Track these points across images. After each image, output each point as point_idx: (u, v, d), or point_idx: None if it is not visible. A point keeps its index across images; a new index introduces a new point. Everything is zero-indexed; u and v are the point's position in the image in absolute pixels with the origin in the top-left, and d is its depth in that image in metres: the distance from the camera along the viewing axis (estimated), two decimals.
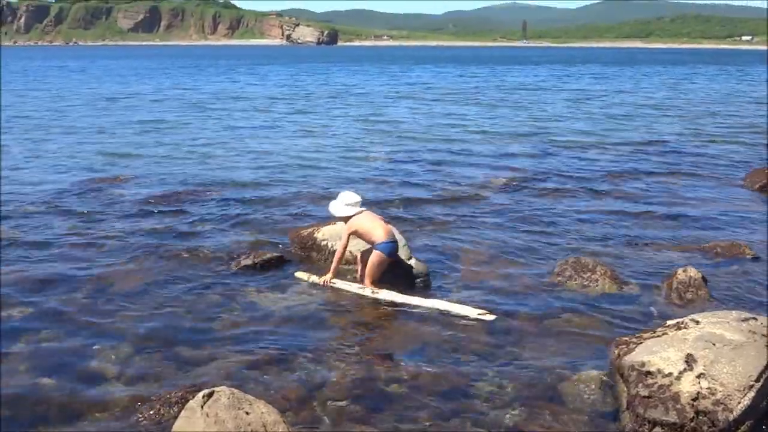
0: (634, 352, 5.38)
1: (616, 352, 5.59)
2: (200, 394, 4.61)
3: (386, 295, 7.60)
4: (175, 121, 23.41)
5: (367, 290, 7.74)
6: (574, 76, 54.75)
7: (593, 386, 5.68)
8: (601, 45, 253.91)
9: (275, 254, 8.85)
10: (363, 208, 8.10)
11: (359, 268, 8.11)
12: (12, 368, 6.01)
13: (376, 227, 7.82)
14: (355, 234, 7.89)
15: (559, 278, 8.15)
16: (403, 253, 8.16)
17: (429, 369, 6.03)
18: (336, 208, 8.11)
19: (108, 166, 15.46)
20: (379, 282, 7.83)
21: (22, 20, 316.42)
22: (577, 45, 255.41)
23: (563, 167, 15.07)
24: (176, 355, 6.27)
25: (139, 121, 23.59)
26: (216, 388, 4.66)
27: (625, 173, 14.53)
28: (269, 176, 14.12)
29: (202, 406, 4.50)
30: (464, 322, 7.00)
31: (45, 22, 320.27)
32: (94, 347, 6.39)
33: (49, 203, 11.81)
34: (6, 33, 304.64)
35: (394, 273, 7.94)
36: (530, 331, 6.81)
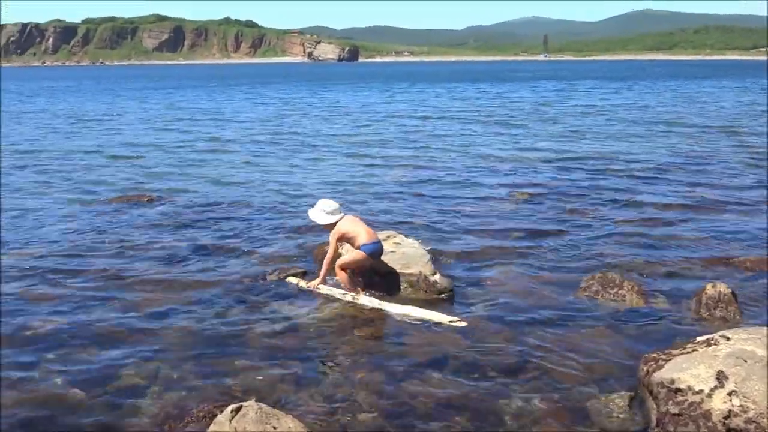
0: (663, 369, 5.31)
1: (645, 368, 5.52)
2: (228, 409, 4.65)
3: (365, 300, 7.83)
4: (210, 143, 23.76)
5: (348, 296, 7.97)
6: (595, 90, 54.44)
7: (622, 403, 5.61)
8: (623, 58, 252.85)
9: (300, 270, 8.93)
10: (344, 213, 8.37)
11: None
12: (44, 378, 6.11)
13: (360, 230, 8.10)
14: (343, 238, 8.15)
15: (586, 293, 8.09)
16: (426, 268, 8.18)
17: (455, 383, 6.00)
18: (318, 216, 8.33)
19: (140, 183, 15.68)
20: (361, 283, 8.19)
21: (50, 41, 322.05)
22: (600, 58, 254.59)
23: (586, 182, 14.96)
24: (204, 369, 6.30)
25: (172, 141, 24.04)
26: (244, 403, 4.69)
27: (650, 188, 14.40)
28: (297, 197, 14.22)
29: (230, 421, 4.53)
30: (491, 335, 6.98)
31: (72, 42, 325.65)
32: (124, 360, 6.46)
33: (78, 218, 11.99)
34: (35, 54, 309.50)
35: (376, 277, 8.27)
36: (557, 346, 6.75)
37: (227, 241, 10.66)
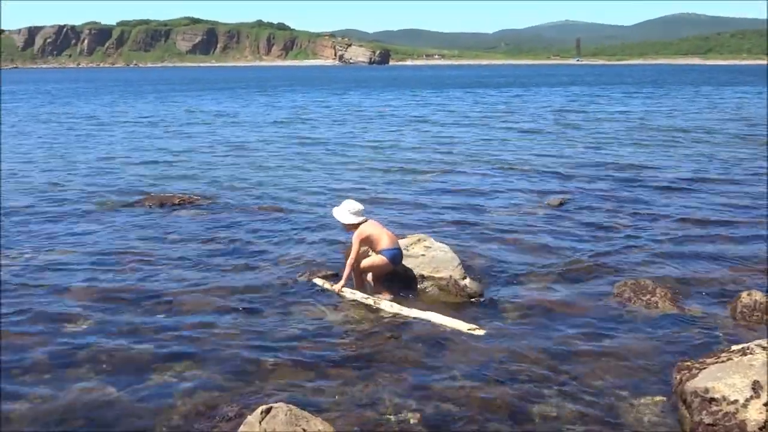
0: (697, 378, 5.24)
1: (678, 377, 5.45)
2: (258, 410, 4.68)
3: (386, 305, 7.82)
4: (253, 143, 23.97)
5: (370, 300, 7.97)
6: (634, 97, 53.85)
7: (654, 411, 5.55)
8: (657, 62, 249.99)
9: (330, 272, 8.97)
10: (367, 217, 8.42)
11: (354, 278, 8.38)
12: (79, 376, 6.21)
13: (382, 235, 8.17)
14: (365, 241, 8.16)
15: (618, 299, 8.01)
16: (456, 272, 8.17)
17: (485, 388, 5.97)
18: (343, 215, 8.38)
19: (170, 185, 15.88)
20: (381, 286, 8.26)
21: (85, 43, 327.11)
22: (633, 62, 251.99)
23: (617, 191, 14.78)
24: (235, 369, 6.35)
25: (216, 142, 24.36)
26: (274, 405, 4.71)
27: (683, 194, 14.23)
28: (325, 199, 14.27)
29: (260, 422, 4.56)
30: (522, 340, 6.95)
31: (107, 44, 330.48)
32: (154, 359, 6.54)
33: (109, 219, 12.20)
34: (70, 55, 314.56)
35: (395, 280, 8.36)
36: (589, 352, 6.70)
37: (258, 242, 10.73)
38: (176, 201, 13.58)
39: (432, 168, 17.77)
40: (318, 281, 8.60)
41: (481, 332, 7.07)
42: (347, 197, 9.16)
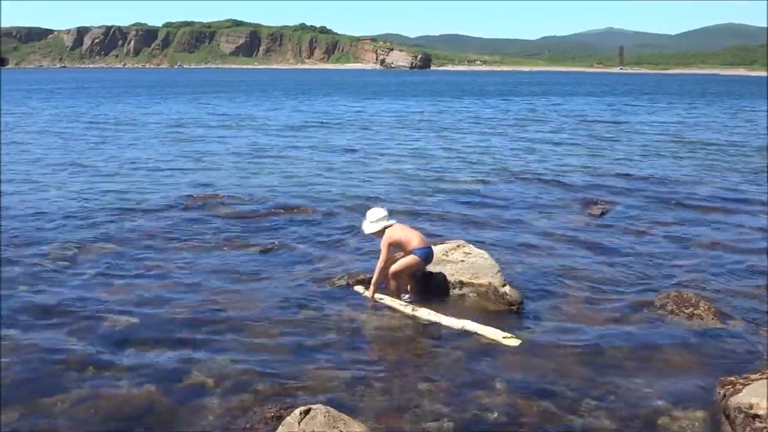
0: (741, 394, 5.14)
1: (722, 392, 5.36)
2: (297, 411, 4.71)
3: (423, 313, 7.76)
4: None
5: (409, 307, 7.93)
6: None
7: (696, 426, 5.46)
8: (701, 72, 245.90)
9: (368, 275, 8.91)
10: (393, 220, 8.50)
11: (390, 283, 8.37)
12: (117, 375, 6.29)
13: (412, 236, 8.23)
14: (395, 244, 8.22)
15: (660, 311, 7.90)
16: (496, 279, 8.13)
17: (522, 398, 5.93)
18: (366, 227, 8.48)
19: (207, 186, 16.05)
20: (412, 290, 8.31)
21: (132, 44, 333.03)
22: (677, 71, 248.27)
23: (657, 201, 14.58)
24: (272, 371, 6.40)
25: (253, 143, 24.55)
26: (313, 406, 4.74)
27: (726, 205, 13.98)
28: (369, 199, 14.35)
29: (299, 423, 4.58)
30: (562, 351, 6.89)
31: (153, 45, 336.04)
32: (192, 360, 6.60)
33: (142, 217, 12.43)
34: (117, 56, 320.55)
35: (428, 285, 8.40)
36: (629, 364, 6.61)
37: (295, 244, 10.80)
38: (213, 201, 13.72)
39: (469, 177, 17.66)
40: (358, 288, 8.60)
41: (516, 342, 7.00)
42: (378, 206, 9.16)
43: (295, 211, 13.17)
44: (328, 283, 8.87)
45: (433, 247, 8.47)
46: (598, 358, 6.76)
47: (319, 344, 7.02)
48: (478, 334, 7.21)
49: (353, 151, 22.77)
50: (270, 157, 21.23)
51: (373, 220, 8.44)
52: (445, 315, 7.66)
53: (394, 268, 8.24)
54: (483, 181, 16.93)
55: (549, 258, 10.22)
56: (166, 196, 14.56)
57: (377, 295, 8.26)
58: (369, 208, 8.83)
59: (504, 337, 7.06)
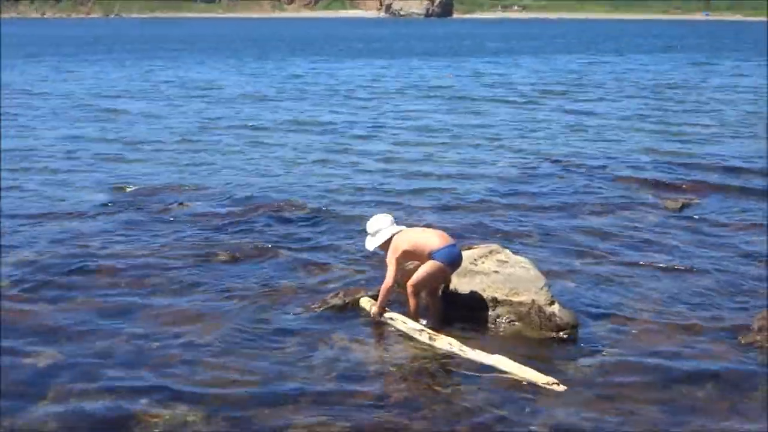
0: None
1: None
2: None
3: (444, 344, 7.75)
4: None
5: (425, 335, 7.92)
6: None
7: None
8: None
9: (371, 293, 8.95)
10: (402, 226, 8.64)
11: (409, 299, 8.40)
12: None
13: (428, 236, 8.30)
14: (405, 254, 8.28)
15: (758, 337, 7.93)
16: (541, 296, 8.18)
17: None
18: (372, 241, 8.58)
19: (150, 174, 16.21)
20: (439, 308, 8.34)
21: None
22: None
23: (750, 192, 14.61)
24: (248, 419, 6.48)
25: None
26: None
27: None
28: (376, 192, 14.48)
29: None
30: (627, 391, 6.94)
31: None
32: (134, 412, 6.62)
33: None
34: (32, 1, 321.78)
35: (451, 304, 8.44)
36: (716, 408, 6.68)
37: (273, 251, 10.87)
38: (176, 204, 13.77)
39: (501, 163, 17.65)
40: (364, 303, 8.67)
41: (561, 389, 6.96)
42: (380, 212, 9.07)
43: (270, 208, 13.20)
44: (317, 302, 8.90)
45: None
46: (675, 399, 6.80)
47: (306, 383, 7.06)
48: (512, 374, 7.19)
49: (345, 128, 22.73)
50: (235, 136, 21.26)
51: (377, 230, 8.51)
52: (470, 347, 7.65)
53: (412, 281, 8.25)
54: (519, 168, 16.95)
55: (610, 266, 10.28)
56: (96, 191, 14.60)
57: (387, 314, 8.33)
58: (369, 217, 8.90)
59: (545, 383, 7.01)
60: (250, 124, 23.53)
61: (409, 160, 17.74)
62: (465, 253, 8.64)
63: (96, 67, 46.58)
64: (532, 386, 6.99)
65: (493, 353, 7.46)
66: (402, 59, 56.17)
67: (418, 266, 8.29)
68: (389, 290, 8.25)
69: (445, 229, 8.81)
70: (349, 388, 7.02)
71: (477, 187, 15.11)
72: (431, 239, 8.22)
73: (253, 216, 12.72)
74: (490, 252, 8.84)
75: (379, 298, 8.34)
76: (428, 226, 9.12)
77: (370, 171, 16.67)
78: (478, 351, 7.57)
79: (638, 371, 7.35)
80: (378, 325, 8.36)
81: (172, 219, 12.55)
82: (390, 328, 8.27)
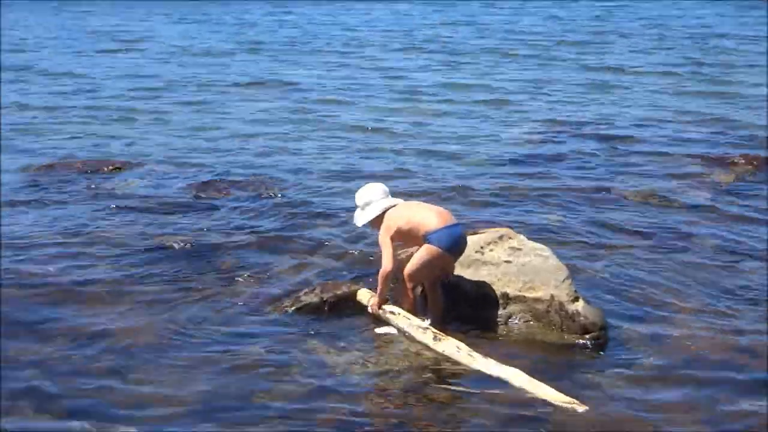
0: None
1: None
2: None
3: (449, 347, 7.66)
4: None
5: (428, 334, 7.85)
6: None
7: None
8: None
9: (355, 287, 8.94)
10: (399, 200, 8.60)
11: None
12: None
13: (424, 213, 8.19)
14: (400, 234, 8.18)
15: None
16: (563, 291, 8.14)
17: None
18: (363, 215, 8.49)
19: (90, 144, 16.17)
20: (439, 303, 8.29)
21: None
22: None
23: None
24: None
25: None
26: None
27: None
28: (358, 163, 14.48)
29: None
30: (667, 406, 6.94)
31: None
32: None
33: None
34: None
35: (461, 302, 8.41)
36: None
37: (232, 238, 10.87)
38: (108, 168, 13.97)
39: (511, 131, 17.60)
40: (365, 294, 8.62)
41: (582, 408, 6.88)
42: (371, 182, 8.98)
43: (228, 187, 13.22)
44: (288, 300, 8.85)
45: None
46: (724, 422, 6.76)
47: (274, 399, 7.03)
48: (526, 390, 7.11)
49: (313, 90, 22.60)
50: (178, 101, 21.15)
51: (366, 202, 8.40)
52: (479, 353, 7.56)
53: (406, 271, 8.15)
54: (531, 140, 16.90)
55: (644, 255, 10.30)
56: (10, 170, 14.46)
57: (388, 308, 8.27)
58: (358, 187, 8.80)
59: (564, 402, 6.93)
60: (197, 84, 23.44)
61: (394, 133, 17.61)
62: (470, 239, 8.50)
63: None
64: (548, 404, 6.94)
65: (502, 361, 7.40)
66: (385, 1, 55.77)
67: (412, 255, 8.27)
68: (388, 276, 8.17)
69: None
70: (323, 406, 6.95)
71: (480, 161, 15.10)
72: (427, 218, 8.06)
73: (208, 197, 12.73)
74: (500, 237, 8.77)
75: (378, 288, 8.25)
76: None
77: (344, 144, 16.60)
78: (489, 360, 7.48)
79: (679, 385, 7.31)
80: (359, 329, 8.32)
81: (107, 199, 12.50)
82: (379, 332, 8.22)
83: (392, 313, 8.23)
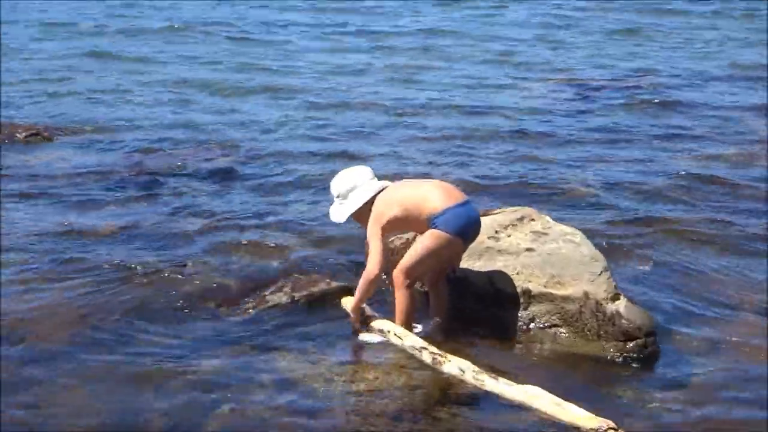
0: None
1: None
2: None
3: (452, 369, 7.46)
4: None
5: (426, 354, 7.63)
6: None
7: None
8: None
9: (334, 284, 9.00)
10: (385, 182, 8.33)
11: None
12: None
13: (426, 191, 7.93)
14: (395, 223, 8.03)
15: None
16: (599, 286, 8.02)
17: None
18: (342, 208, 8.26)
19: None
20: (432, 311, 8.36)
21: None
22: None
23: None
24: None
25: None
26: None
27: None
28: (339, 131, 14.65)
29: None
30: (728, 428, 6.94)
31: None
32: None
33: None
34: None
35: (468, 297, 8.41)
36: None
37: (188, 219, 11.05)
38: (44, 135, 14.31)
39: (517, 88, 17.83)
40: (347, 302, 8.47)
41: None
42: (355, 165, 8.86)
43: (170, 158, 13.55)
44: (252, 299, 8.90)
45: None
46: None
47: (227, 421, 6.93)
48: (549, 414, 6.91)
49: (263, 33, 23.65)
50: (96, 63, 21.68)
51: (350, 188, 8.16)
52: (491, 370, 7.40)
53: (403, 266, 7.90)
54: (549, 97, 17.43)
55: (698, 243, 10.39)
56: None
57: (375, 323, 8.10)
58: (328, 173, 9.03)
59: (592, 428, 6.67)
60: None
61: (389, 99, 17.86)
62: (485, 220, 8.36)
63: None
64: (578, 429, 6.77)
65: (521, 378, 7.26)
66: None
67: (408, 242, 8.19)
68: (373, 282, 7.95)
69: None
70: (291, 426, 6.86)
71: (489, 126, 15.31)
72: (431, 197, 7.79)
73: (147, 169, 12.91)
74: (520, 219, 8.69)
75: (357, 294, 8.05)
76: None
77: (311, 101, 17.10)
78: (501, 380, 7.25)
79: (744, 405, 7.29)
80: (335, 335, 8.29)
81: (30, 174, 12.74)
82: (363, 340, 8.16)
83: (380, 330, 8.02)
